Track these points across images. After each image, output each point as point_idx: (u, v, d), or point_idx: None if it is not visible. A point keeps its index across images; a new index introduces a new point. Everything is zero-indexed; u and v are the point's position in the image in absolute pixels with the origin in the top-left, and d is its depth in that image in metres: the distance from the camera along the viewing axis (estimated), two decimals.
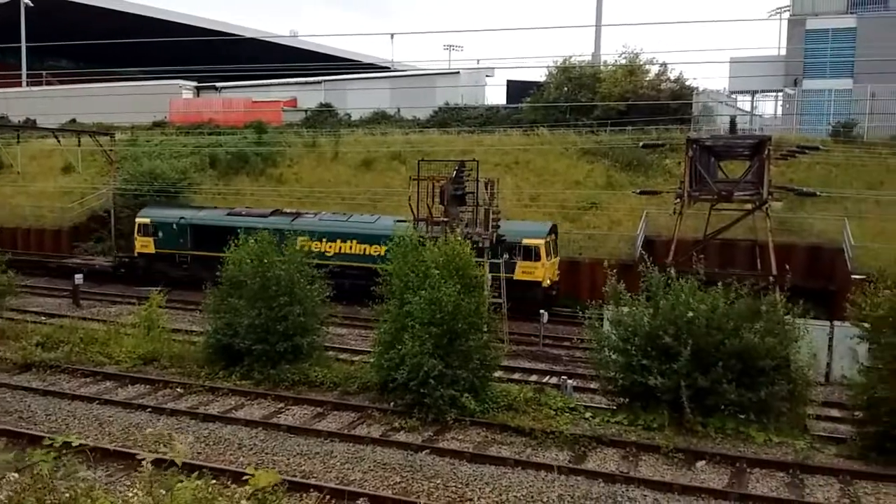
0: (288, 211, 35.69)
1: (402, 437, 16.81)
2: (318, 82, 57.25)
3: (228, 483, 10.40)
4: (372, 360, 19.46)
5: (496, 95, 59.00)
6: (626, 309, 17.70)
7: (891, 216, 33.58)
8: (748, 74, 47.02)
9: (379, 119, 51.40)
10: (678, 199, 20.06)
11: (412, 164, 29.84)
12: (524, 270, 29.17)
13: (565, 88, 47.57)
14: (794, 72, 46.44)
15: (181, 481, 6.45)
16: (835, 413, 18.77)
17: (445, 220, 24.21)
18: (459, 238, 19.13)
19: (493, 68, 58.60)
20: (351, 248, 32.32)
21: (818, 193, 28.37)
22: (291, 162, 45.53)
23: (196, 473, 8.61)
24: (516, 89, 53.14)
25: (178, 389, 20.17)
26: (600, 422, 17.49)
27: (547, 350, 26.38)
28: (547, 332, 27.21)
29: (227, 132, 50.29)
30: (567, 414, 17.83)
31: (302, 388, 20.04)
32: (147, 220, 36.40)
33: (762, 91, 50.61)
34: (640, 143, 27.40)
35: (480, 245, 25.10)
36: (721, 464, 15.39)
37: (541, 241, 29.95)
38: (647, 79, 46.19)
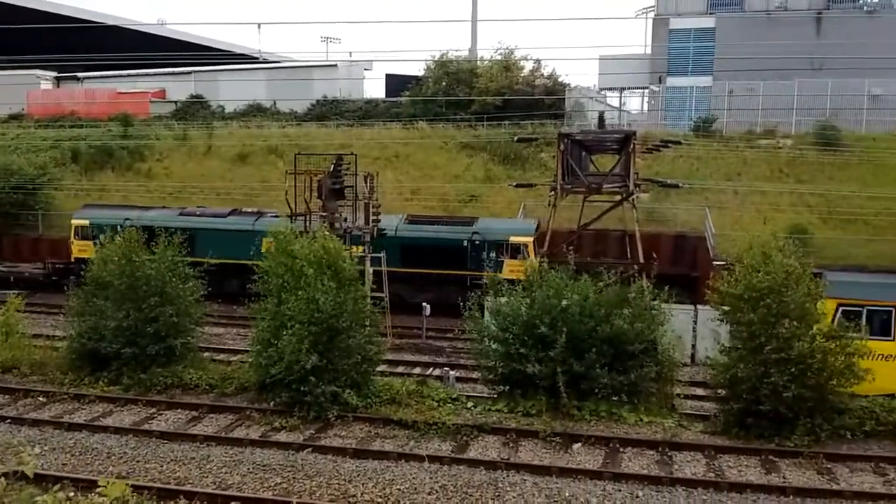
0: (248, 210, 33.62)
1: (282, 436, 16.48)
2: (189, 73, 55.13)
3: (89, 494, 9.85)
4: (250, 359, 18.94)
5: (375, 89, 58.81)
6: (504, 299, 18.05)
7: (747, 206, 35.91)
8: (617, 72, 48.94)
9: (254, 112, 50.11)
10: (552, 192, 20.70)
11: (290, 158, 29.24)
12: (512, 269, 27.40)
13: (443, 83, 47.94)
14: (659, 69, 48.78)
15: (36, 495, 6.03)
16: (700, 392, 19.83)
17: (324, 214, 23.87)
18: (327, 233, 18.88)
19: (372, 61, 58.34)
20: None
21: (681, 185, 29.88)
22: (161, 156, 43.63)
23: (57, 486, 8.11)
24: (395, 83, 53.11)
25: (41, 398, 18.96)
26: (482, 411, 17.76)
27: (430, 342, 26.55)
28: (430, 324, 27.36)
29: (91, 125, 47.61)
30: (449, 405, 18.01)
31: (175, 391, 19.26)
32: (85, 222, 33.20)
33: (630, 88, 52.84)
34: (515, 138, 28.02)
35: (362, 239, 24.99)
36: (596, 445, 15.97)
37: (529, 239, 29.10)
38: (522, 75, 47.26)
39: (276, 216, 29.77)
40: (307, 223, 24.01)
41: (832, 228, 33.65)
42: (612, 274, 18.33)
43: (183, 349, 20.08)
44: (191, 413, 18.03)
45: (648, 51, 50.84)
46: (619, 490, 13.76)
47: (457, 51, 51.35)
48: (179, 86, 54.20)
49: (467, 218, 32.29)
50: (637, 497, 13.49)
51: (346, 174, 25.07)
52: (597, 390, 17.39)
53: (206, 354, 22.39)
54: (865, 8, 48.30)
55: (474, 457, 15.35)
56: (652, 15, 50.63)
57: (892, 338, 17.61)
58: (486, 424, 16.83)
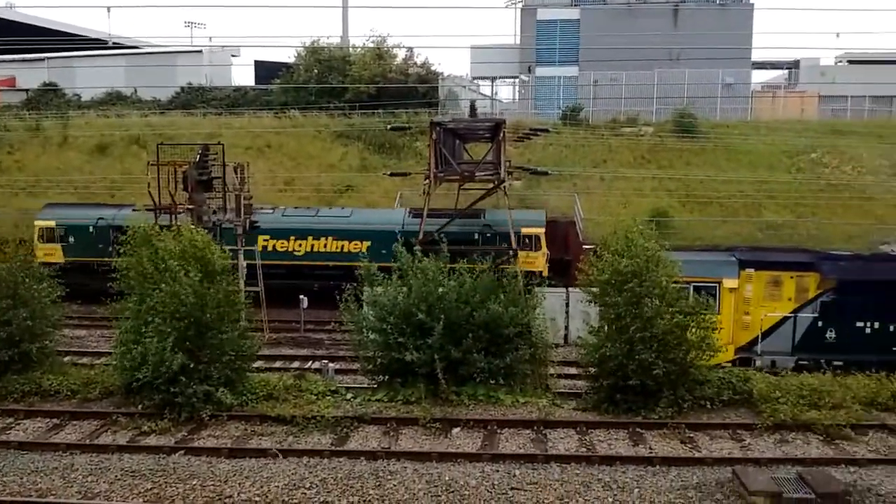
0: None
1: (152, 440, 15.79)
2: (41, 59, 51.57)
3: None
4: (114, 361, 18.00)
5: (244, 76, 57.17)
6: (380, 289, 18.02)
7: (613, 191, 37.44)
8: (488, 61, 49.76)
9: (113, 100, 47.54)
10: (426, 180, 20.84)
11: (154, 149, 27.93)
12: (525, 260, 26.96)
13: (315, 71, 47.18)
14: (528, 59, 49.96)
15: None
16: (573, 371, 20.55)
17: (190, 207, 22.98)
18: (192, 225, 18.23)
19: (240, 47, 56.66)
20: (325, 245, 28.91)
21: (550, 172, 30.74)
22: (12, 148, 40.66)
23: None
24: (265, 70, 51.82)
25: None
26: (362, 401, 17.68)
27: (309, 335, 26.20)
28: (308, 317, 26.99)
29: None
30: (329, 397, 17.81)
31: (34, 399, 18.05)
32: (51, 224, 30.29)
33: (501, 77, 53.88)
34: (389, 126, 27.95)
35: (234, 232, 24.25)
36: (474, 428, 16.25)
37: (541, 230, 28.93)
38: (396, 63, 47.18)
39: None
40: (173, 217, 23.03)
41: (690, 211, 35.61)
42: (485, 260, 18.66)
43: (39, 354, 18.81)
44: (52, 421, 16.95)
45: (518, 41, 51.95)
46: (497, 470, 14.06)
47: (328, 38, 50.71)
48: (31, 73, 50.66)
49: (473, 210, 31.20)
50: (514, 476, 13.83)
51: (214, 165, 24.22)
52: (475, 375, 17.69)
53: (67, 359, 21.12)
54: (718, 1, 51.21)
55: (354, 448, 15.28)
56: (521, 5, 51.74)
57: (717, 312, 18.93)
58: (366, 415, 16.77)
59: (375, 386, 18.66)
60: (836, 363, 18.67)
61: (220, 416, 16.73)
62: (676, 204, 36.04)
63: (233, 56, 55.56)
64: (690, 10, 49.73)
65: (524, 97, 50.64)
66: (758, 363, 19.32)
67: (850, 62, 54.30)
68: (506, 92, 57.44)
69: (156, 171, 23.74)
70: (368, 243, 26.21)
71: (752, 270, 19.47)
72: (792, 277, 19.52)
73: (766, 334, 19.48)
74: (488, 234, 28.51)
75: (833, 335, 19.31)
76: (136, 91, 48.51)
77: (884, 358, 18.78)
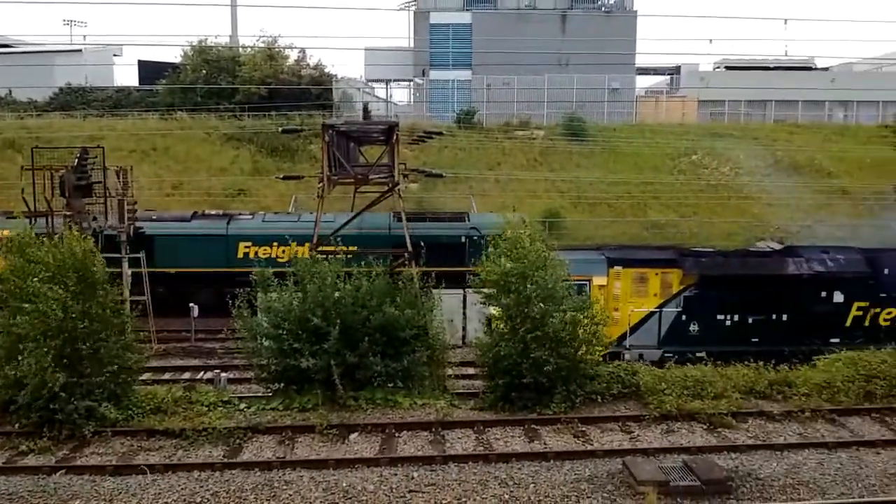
0: (214, 213, 29.32)
1: (30, 460, 14.86)
2: None
3: None
4: None
5: (127, 76, 54.92)
6: (274, 295, 17.65)
7: (508, 193, 38.14)
8: (382, 63, 49.70)
9: None
10: (320, 184, 20.60)
11: (30, 153, 26.34)
12: None
13: (203, 71, 45.80)
14: (422, 62, 50.22)
15: None
16: (471, 371, 20.73)
17: (68, 214, 21.82)
18: (76, 233, 17.29)
19: (122, 46, 54.35)
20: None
21: (444, 174, 30.96)
22: None
23: None
24: (149, 70, 49.87)
25: None
26: (256, 411, 17.23)
27: (200, 345, 25.35)
28: (200, 325, 26.13)
29: None
30: (221, 408, 17.25)
31: None
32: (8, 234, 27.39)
33: (395, 80, 53.93)
34: (280, 129, 27.44)
35: (117, 239, 23.20)
36: (373, 432, 16.13)
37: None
38: (288, 64, 46.44)
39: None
40: (49, 223, 21.82)
41: (581, 212, 36.74)
42: (381, 263, 18.59)
43: None
44: None
45: (412, 44, 52.15)
46: (395, 474, 14.01)
47: (216, 37, 49.38)
48: None
49: (455, 213, 31.08)
50: (412, 478, 13.82)
51: (94, 169, 23.08)
52: (372, 379, 17.57)
53: None
54: (603, 9, 53.03)
55: (248, 459, 14.86)
56: (414, 9, 51.94)
57: None
58: (260, 425, 16.35)
59: (270, 394, 18.24)
60: (699, 355, 19.46)
61: (104, 433, 15.91)
62: (568, 205, 37.13)
63: (115, 55, 53.30)
64: (578, 17, 51.31)
65: (419, 100, 50.87)
66: (626, 357, 20.04)
67: (727, 68, 57.39)
68: (401, 95, 57.59)
69: (30, 177, 22.40)
70: (354, 248, 25.65)
71: (619, 268, 20.20)
72: (657, 274, 20.36)
73: (633, 329, 20.27)
74: (475, 237, 28.35)
75: (696, 328, 20.29)
76: (10, 92, 45.71)
77: (743, 348, 19.79)
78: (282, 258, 27.65)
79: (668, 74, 59.31)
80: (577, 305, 17.31)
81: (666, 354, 19.97)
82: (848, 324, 20.63)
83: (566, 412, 16.88)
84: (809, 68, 57.62)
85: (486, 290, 17.93)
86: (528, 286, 16.69)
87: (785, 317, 20.46)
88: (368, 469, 14.32)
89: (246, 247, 27.18)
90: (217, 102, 43.93)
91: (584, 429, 16.30)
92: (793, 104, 52.10)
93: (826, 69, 57.68)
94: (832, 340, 20.44)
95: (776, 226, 35.72)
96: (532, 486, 13.55)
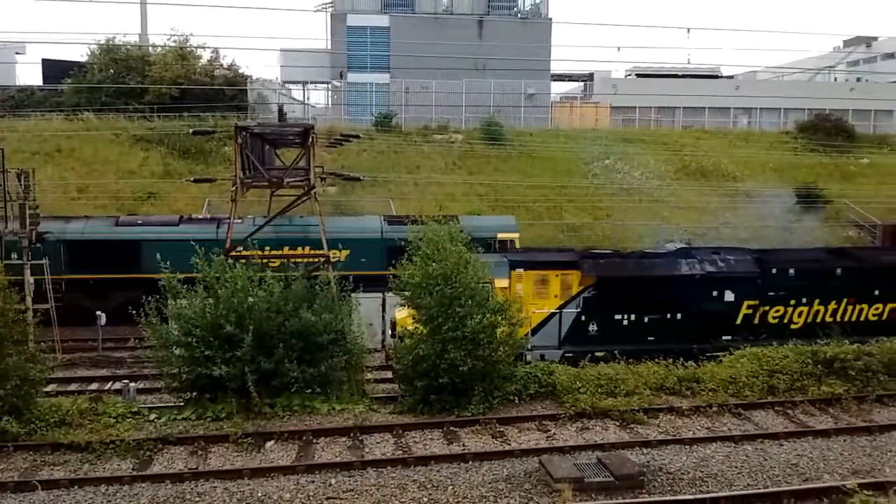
0: (201, 217, 28.08)
1: None
2: None
3: None
4: None
5: (30, 75, 52.45)
6: (184, 301, 17.15)
7: (427, 196, 38.22)
8: (298, 65, 49.08)
9: None
10: (234, 187, 20.15)
11: None
12: None
13: (111, 70, 44.19)
14: (340, 65, 49.83)
15: None
16: (390, 375, 20.63)
17: None
18: None
19: (24, 43, 51.90)
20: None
21: (362, 178, 30.82)
22: None
23: None
24: (54, 69, 47.74)
25: None
26: (167, 421, 16.69)
27: (108, 354, 24.43)
28: (108, 334, 25.16)
29: None
30: (130, 419, 16.65)
31: None
32: None
33: (313, 82, 53.34)
34: (191, 131, 26.75)
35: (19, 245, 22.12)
36: (289, 440, 15.85)
37: (516, 235, 29.24)
38: (200, 64, 45.29)
39: (240, 220, 25.70)
40: None
41: (499, 215, 37.12)
42: (297, 267, 18.33)
43: None
44: None
45: (329, 46, 51.70)
46: (313, 481, 13.81)
47: (125, 36, 47.70)
48: None
49: (445, 216, 30.60)
50: (330, 485, 13.65)
51: None
52: (289, 385, 17.28)
53: None
54: (519, 15, 53.82)
55: (158, 471, 14.37)
56: (331, 10, 51.50)
57: None
58: (171, 435, 15.84)
59: (182, 404, 17.72)
60: (597, 354, 19.95)
61: (6, 447, 15.14)
62: (487, 208, 37.43)
63: (17, 53, 50.85)
64: (494, 23, 51.90)
65: (336, 102, 50.46)
66: (528, 358, 20.26)
67: (638, 76, 59.13)
68: (318, 97, 57.00)
69: None
70: (347, 252, 24.97)
71: (521, 270, 20.48)
72: (557, 276, 20.70)
73: (535, 330, 20.56)
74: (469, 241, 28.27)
75: (595, 328, 20.72)
76: None
77: (640, 347, 20.24)
78: (273, 263, 27.30)
79: (582, 81, 60.70)
80: (496, 307, 17.48)
81: (566, 354, 20.32)
82: (738, 322, 21.36)
83: (484, 413, 17.01)
84: (715, 76, 60.00)
85: (406, 293, 17.90)
86: (450, 288, 16.74)
87: (679, 316, 21.00)
88: (285, 477, 14.05)
89: (238, 250, 26.58)
90: (126, 103, 42.43)
91: (501, 429, 16.45)
92: (700, 111, 54.11)
93: (731, 77, 60.15)
94: (724, 338, 21.12)
95: (684, 228, 36.99)
96: (451, 487, 13.58)
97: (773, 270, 21.59)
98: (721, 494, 13.09)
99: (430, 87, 47.26)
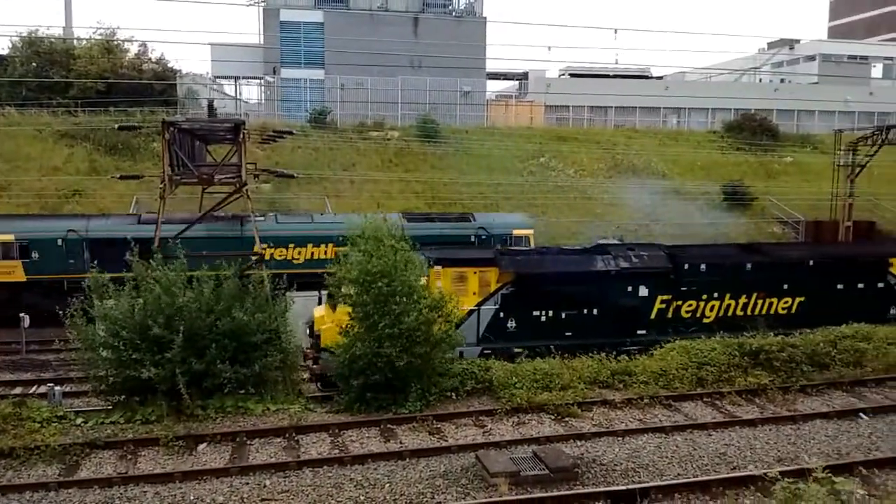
0: (223, 215, 26.94)
1: None
2: None
3: None
4: None
5: None
6: (111, 302, 16.64)
7: (363, 194, 38.02)
8: (229, 59, 48.16)
9: None
10: (162, 184, 19.60)
11: None
12: None
13: (34, 64, 42.56)
14: (273, 60, 49.09)
15: None
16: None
17: None
18: None
19: None
20: (326, 253, 26.86)
21: (296, 175, 30.45)
22: None
23: None
24: None
25: None
26: (94, 425, 16.19)
27: (33, 357, 23.59)
28: (32, 336, 24.28)
29: None
30: (55, 424, 16.07)
31: None
32: (9, 238, 26.89)
33: (245, 77, 52.42)
34: (117, 126, 25.95)
35: None
36: (222, 442, 15.56)
37: (531, 231, 29.85)
38: (128, 58, 44.04)
39: (262, 217, 27.03)
40: None
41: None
42: (230, 266, 17.99)
43: None
44: None
45: (262, 41, 50.89)
46: (247, 483, 13.59)
47: (48, 28, 46.05)
48: None
49: (460, 214, 31.66)
50: (265, 486, 13.45)
51: None
52: (222, 386, 16.96)
53: None
54: (454, 13, 53.97)
55: (86, 477, 13.93)
56: (263, 5, 50.69)
57: None
58: (99, 440, 15.37)
59: (111, 407, 17.21)
60: (516, 350, 20.02)
61: None
62: (423, 206, 37.45)
63: None
64: (429, 20, 51.94)
65: (270, 98, 49.72)
66: (448, 354, 20.27)
67: (571, 75, 60.03)
68: (251, 93, 56.05)
69: None
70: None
71: (440, 267, 20.49)
72: (475, 273, 20.71)
73: (455, 327, 20.57)
74: (483, 237, 28.60)
75: (513, 324, 20.80)
76: None
77: (558, 343, 20.35)
78: (297, 260, 27.58)
79: (517, 80, 61.27)
80: (432, 304, 17.49)
81: (485, 351, 20.34)
82: (653, 316, 21.75)
83: (421, 410, 17.01)
84: (646, 77, 61.37)
85: (343, 291, 17.74)
86: (388, 285, 16.67)
87: (595, 311, 21.22)
88: (218, 480, 13.80)
89: (262, 248, 26.49)
90: (49, 97, 40.92)
91: (439, 425, 16.50)
92: (631, 110, 55.28)
93: (660, 78, 61.61)
94: (639, 332, 21.53)
95: (617, 224, 37.73)
96: (388, 485, 13.54)
97: (686, 266, 22.03)
98: (652, 484, 13.39)
99: (365, 83, 46.99)
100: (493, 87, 62.66)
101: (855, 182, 35.35)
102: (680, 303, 22.00)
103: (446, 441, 15.67)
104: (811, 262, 23.32)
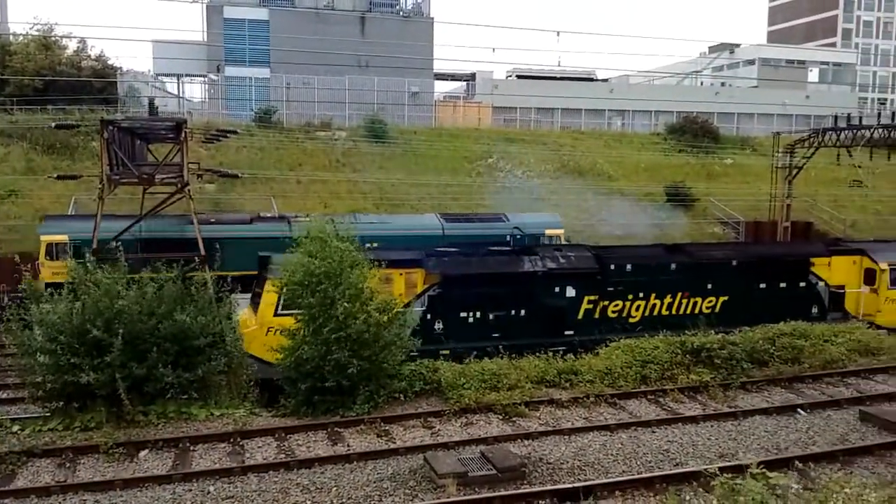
0: (270, 215, 27.56)
1: None
2: None
3: None
4: None
5: None
6: (47, 306, 16.14)
7: (310, 194, 37.66)
8: (172, 57, 47.21)
9: None
10: (101, 184, 19.07)
11: None
12: None
13: None
14: (216, 58, 48.29)
15: None
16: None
17: None
18: None
19: None
20: None
21: (241, 175, 30.04)
22: None
23: None
24: None
25: None
26: (31, 433, 15.67)
27: None
28: None
29: None
30: None
31: None
32: (62, 238, 26.62)
33: (188, 75, 51.45)
34: (55, 125, 25.26)
35: None
36: (164, 448, 15.21)
37: (562, 231, 30.76)
38: (66, 55, 42.82)
39: (307, 218, 26.29)
40: None
41: (384, 213, 37.03)
42: (172, 268, 17.61)
43: None
44: None
45: (205, 38, 50.01)
46: (190, 490, 13.32)
47: None
48: None
49: (493, 214, 32.08)
50: (208, 493, 13.20)
51: None
52: (164, 391, 16.57)
53: None
54: (402, 13, 53.89)
55: (23, 486, 13.47)
56: (206, 2, 49.83)
57: None
58: (36, 447, 14.89)
59: (48, 414, 16.68)
60: (443, 352, 19.92)
61: None
62: (371, 206, 37.28)
63: None
64: (376, 20, 51.76)
65: (214, 97, 48.88)
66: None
67: (518, 77, 60.50)
68: (195, 91, 55.05)
69: None
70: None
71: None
72: (401, 274, 20.65)
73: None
74: (518, 237, 28.42)
75: (441, 326, 20.83)
76: None
77: (485, 345, 20.36)
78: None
79: (465, 81, 61.48)
80: (381, 306, 17.38)
81: (412, 354, 20.30)
82: (580, 317, 21.97)
83: (369, 412, 16.90)
84: (591, 79, 62.23)
85: (285, 292, 17.53)
86: (332, 288, 16.51)
87: (523, 312, 21.33)
88: (160, 487, 13.49)
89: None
90: None
91: (387, 428, 16.41)
92: (577, 112, 55.99)
93: (605, 80, 62.56)
94: (566, 333, 21.69)
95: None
96: (335, 489, 13.43)
97: (612, 266, 22.32)
98: (597, 482, 13.55)
99: (312, 83, 46.55)
100: (441, 87, 62.83)
101: (793, 183, 36.42)
102: (606, 303, 22.23)
103: (394, 443, 15.60)
104: (734, 263, 23.81)
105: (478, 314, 20.99)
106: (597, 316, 22.12)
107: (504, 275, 21.34)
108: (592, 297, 22.00)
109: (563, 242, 30.26)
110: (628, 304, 22.46)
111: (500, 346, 20.07)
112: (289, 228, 27.64)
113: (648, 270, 22.70)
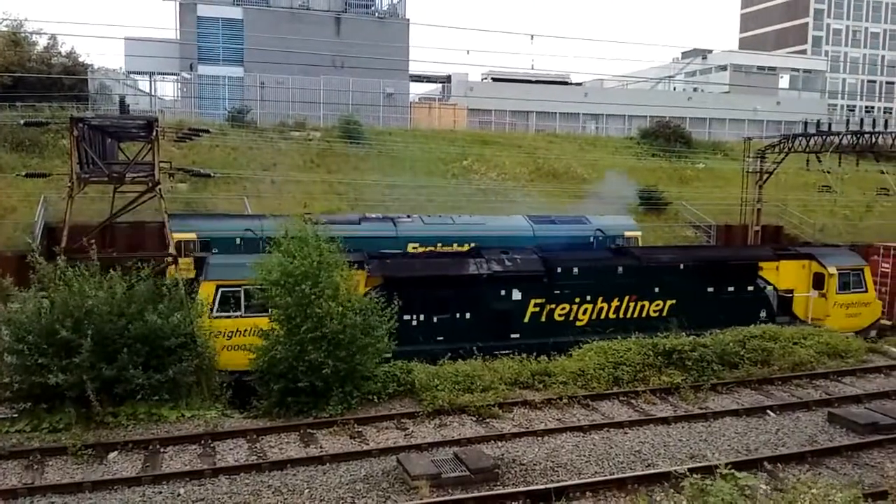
0: (375, 216, 29.67)
1: None
2: None
3: None
4: None
5: None
6: (15, 306, 15.87)
7: (285, 195, 37.36)
8: (144, 55, 46.69)
9: None
10: (70, 183, 18.78)
11: None
12: None
13: None
14: (189, 56, 47.84)
15: None
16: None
17: None
18: None
19: None
20: None
21: (214, 174, 29.76)
22: None
23: None
24: None
25: None
26: None
27: None
28: None
29: None
30: None
31: None
32: (191, 236, 26.79)
33: (160, 73, 50.89)
34: (23, 122, 24.82)
35: None
36: (134, 450, 15.05)
37: (639, 233, 31.17)
38: (36, 51, 42.17)
39: (408, 218, 28.93)
40: None
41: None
42: (144, 268, 17.40)
43: None
44: None
45: (178, 36, 49.53)
46: (160, 492, 13.18)
47: None
48: None
49: (574, 217, 32.63)
50: (179, 495, 13.07)
51: None
52: (134, 392, 16.36)
53: None
54: (377, 14, 53.77)
55: None
56: None
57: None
58: (3, 449, 14.68)
59: (16, 415, 16.40)
60: (385, 356, 19.20)
61: None
62: (346, 207, 37.05)
63: None
64: (352, 20, 51.61)
65: (186, 95, 48.40)
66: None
67: (494, 80, 60.64)
68: (167, 89, 54.47)
69: None
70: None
71: None
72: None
73: None
74: (600, 238, 29.29)
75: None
76: None
77: (430, 347, 20.31)
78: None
79: (440, 83, 61.51)
80: (359, 307, 17.32)
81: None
82: (526, 320, 21.95)
83: (343, 414, 16.85)
84: (565, 83, 62.59)
85: (262, 291, 17.39)
86: (311, 287, 16.40)
87: (468, 315, 21.24)
88: (130, 489, 13.34)
89: (413, 247, 27.35)
90: None
91: (360, 429, 16.37)
92: (551, 115, 56.27)
93: (580, 84, 62.97)
94: (513, 336, 21.66)
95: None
96: (307, 490, 13.37)
97: (559, 269, 22.36)
98: (569, 483, 13.64)
99: (286, 82, 46.27)
100: (416, 89, 62.78)
101: (763, 188, 36.89)
102: (553, 306, 22.24)
103: (367, 445, 15.57)
104: (682, 266, 23.91)
105: (422, 317, 20.84)
106: (543, 319, 22.10)
107: (448, 277, 21.22)
108: (539, 301, 21.99)
109: (639, 245, 30.64)
110: (575, 307, 22.47)
111: (446, 350, 19.94)
112: (394, 229, 28.58)
113: (595, 273, 22.71)
